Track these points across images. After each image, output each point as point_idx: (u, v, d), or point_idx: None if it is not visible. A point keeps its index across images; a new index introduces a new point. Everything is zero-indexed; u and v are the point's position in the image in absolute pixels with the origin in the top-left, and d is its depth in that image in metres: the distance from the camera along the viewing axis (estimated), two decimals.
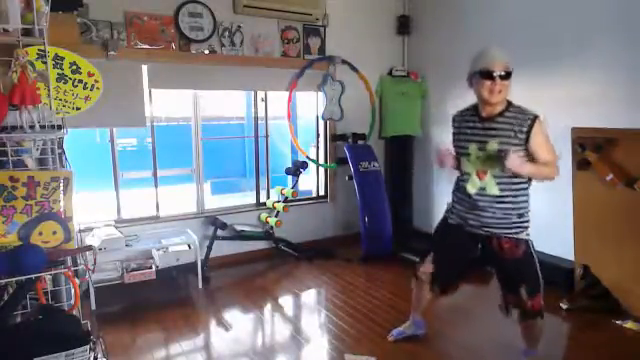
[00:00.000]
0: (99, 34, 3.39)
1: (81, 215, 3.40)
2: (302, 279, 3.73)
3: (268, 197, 4.49)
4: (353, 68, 4.09)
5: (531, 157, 2.17)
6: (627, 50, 3.12)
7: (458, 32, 4.35)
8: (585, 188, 3.17)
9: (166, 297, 3.48)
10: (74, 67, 1.89)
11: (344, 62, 4.28)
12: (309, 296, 3.60)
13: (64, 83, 1.88)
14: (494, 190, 2.18)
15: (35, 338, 1.45)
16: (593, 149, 3.07)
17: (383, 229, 4.22)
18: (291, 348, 2.79)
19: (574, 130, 3.20)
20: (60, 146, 1.78)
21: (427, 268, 2.49)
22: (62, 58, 1.85)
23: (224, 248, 4.07)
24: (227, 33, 3.92)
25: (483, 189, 2.20)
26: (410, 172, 4.91)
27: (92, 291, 3.21)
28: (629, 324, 2.89)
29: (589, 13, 3.30)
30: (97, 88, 1.96)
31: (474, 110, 2.35)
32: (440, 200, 4.76)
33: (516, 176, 2.17)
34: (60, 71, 1.85)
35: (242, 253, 4.20)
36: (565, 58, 3.48)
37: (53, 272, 1.63)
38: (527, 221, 2.30)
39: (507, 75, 2.15)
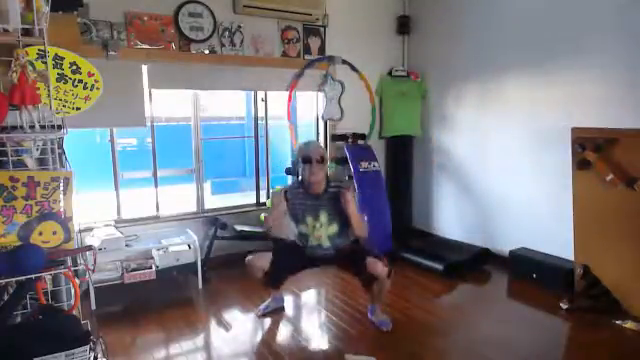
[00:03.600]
0: (99, 34, 3.39)
1: (81, 215, 3.41)
2: (302, 279, 3.72)
3: (268, 197, 4.48)
4: (353, 68, 4.08)
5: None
6: (627, 50, 3.12)
7: (458, 32, 4.35)
8: (585, 188, 3.17)
9: (166, 297, 3.48)
10: (74, 67, 1.88)
11: (344, 62, 4.27)
12: (309, 296, 3.60)
13: (64, 83, 1.87)
14: (328, 243, 2.91)
15: (35, 338, 1.45)
16: (593, 149, 3.07)
17: (383, 229, 4.21)
18: (291, 348, 2.79)
19: (574, 130, 3.20)
20: (60, 146, 1.78)
21: (263, 264, 2.90)
22: (62, 58, 1.85)
23: (224, 248, 4.07)
24: (227, 33, 3.92)
25: (319, 244, 2.92)
26: (410, 172, 4.92)
27: (92, 291, 3.21)
28: (629, 324, 2.89)
29: (588, 13, 3.30)
30: (97, 88, 1.96)
31: (302, 188, 2.90)
32: (440, 200, 4.77)
33: (342, 233, 2.90)
34: (60, 71, 1.85)
35: (242, 253, 4.18)
36: (564, 58, 3.48)
37: (53, 272, 1.63)
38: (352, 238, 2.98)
39: (322, 160, 2.80)
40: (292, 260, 2.97)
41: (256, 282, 3.05)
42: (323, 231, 2.89)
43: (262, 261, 2.90)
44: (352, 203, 2.78)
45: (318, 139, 4.74)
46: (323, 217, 2.87)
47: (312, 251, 2.95)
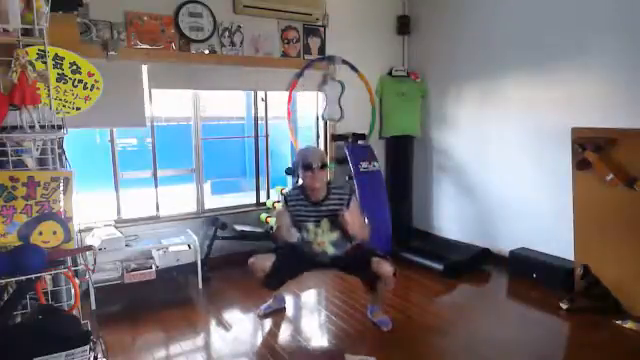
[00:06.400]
0: (99, 34, 3.39)
1: (81, 215, 3.40)
2: (302, 279, 3.72)
3: (268, 197, 4.49)
4: (353, 68, 4.08)
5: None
6: (627, 50, 3.12)
7: (458, 32, 4.35)
8: (585, 188, 3.17)
9: (166, 297, 3.48)
10: (74, 67, 1.88)
11: (344, 62, 4.27)
12: (309, 296, 3.60)
13: (64, 83, 1.87)
14: (332, 250, 2.84)
15: (35, 338, 1.45)
16: (593, 149, 3.07)
17: (383, 229, 4.21)
18: (291, 348, 2.79)
19: (574, 130, 3.20)
20: (60, 146, 1.78)
21: (265, 265, 2.87)
22: (62, 58, 1.85)
23: (224, 248, 4.07)
24: (227, 33, 3.92)
25: (324, 251, 2.84)
26: (410, 172, 4.91)
27: (92, 291, 3.21)
28: (629, 324, 2.89)
29: (588, 13, 3.30)
30: (97, 88, 1.95)
31: (303, 194, 2.89)
32: (440, 200, 4.77)
33: (345, 238, 2.82)
34: (60, 71, 1.85)
35: (242, 253, 4.18)
36: (564, 58, 3.48)
37: (53, 272, 1.63)
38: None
39: (323, 166, 2.79)
40: (294, 264, 2.94)
41: (255, 283, 3.02)
42: (325, 237, 2.84)
43: (264, 263, 2.87)
44: (354, 216, 2.74)
45: (318, 139, 4.75)
46: (325, 225, 2.83)
47: (316, 258, 2.90)
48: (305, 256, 2.90)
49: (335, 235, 2.83)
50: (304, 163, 2.78)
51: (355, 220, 2.75)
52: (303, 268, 3.03)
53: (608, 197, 3.04)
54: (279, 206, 2.89)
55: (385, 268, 2.75)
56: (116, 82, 3.21)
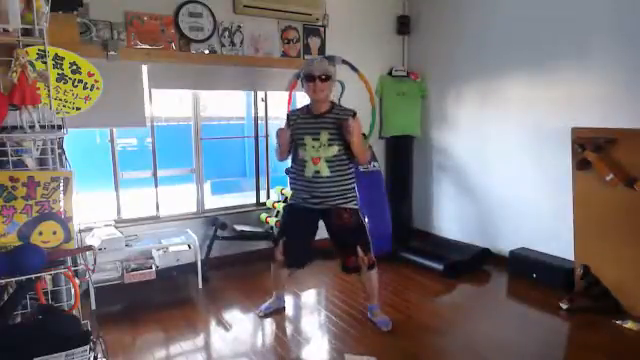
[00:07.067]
0: (99, 34, 3.39)
1: (81, 215, 3.40)
2: (302, 279, 3.72)
3: (268, 197, 4.49)
4: (353, 68, 4.07)
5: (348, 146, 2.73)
6: (627, 50, 3.12)
7: (458, 32, 4.35)
8: (585, 188, 3.17)
9: (166, 297, 3.48)
10: (74, 67, 1.88)
11: (344, 62, 4.27)
12: (309, 296, 3.60)
13: (64, 83, 1.87)
14: (326, 172, 2.74)
15: (35, 338, 1.45)
16: (593, 149, 3.07)
17: (383, 229, 4.21)
18: (291, 348, 2.79)
19: (574, 130, 3.20)
20: (60, 146, 1.78)
21: (280, 250, 2.95)
22: (62, 58, 1.84)
23: (224, 248, 4.07)
24: (227, 33, 3.92)
25: (318, 172, 2.74)
26: (410, 172, 4.92)
27: (92, 291, 3.21)
28: (629, 324, 2.89)
29: (588, 13, 3.30)
30: (97, 88, 1.95)
31: (306, 109, 2.87)
32: (440, 200, 4.77)
33: (342, 160, 2.78)
34: (60, 71, 1.84)
35: (242, 253, 4.20)
36: (565, 58, 3.48)
37: (53, 272, 1.63)
38: (354, 195, 2.88)
39: (325, 78, 2.72)
40: (297, 227, 2.91)
41: (280, 268, 3.06)
42: (322, 152, 2.72)
43: (279, 249, 2.97)
44: (356, 130, 2.67)
45: None
46: (323, 137, 2.72)
47: (312, 187, 2.77)
48: (302, 210, 2.85)
49: (333, 151, 2.74)
50: (306, 73, 2.72)
51: (358, 133, 2.69)
52: (306, 225, 2.92)
53: (608, 197, 3.04)
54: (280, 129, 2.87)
55: (361, 263, 2.83)
56: (116, 82, 3.22)
